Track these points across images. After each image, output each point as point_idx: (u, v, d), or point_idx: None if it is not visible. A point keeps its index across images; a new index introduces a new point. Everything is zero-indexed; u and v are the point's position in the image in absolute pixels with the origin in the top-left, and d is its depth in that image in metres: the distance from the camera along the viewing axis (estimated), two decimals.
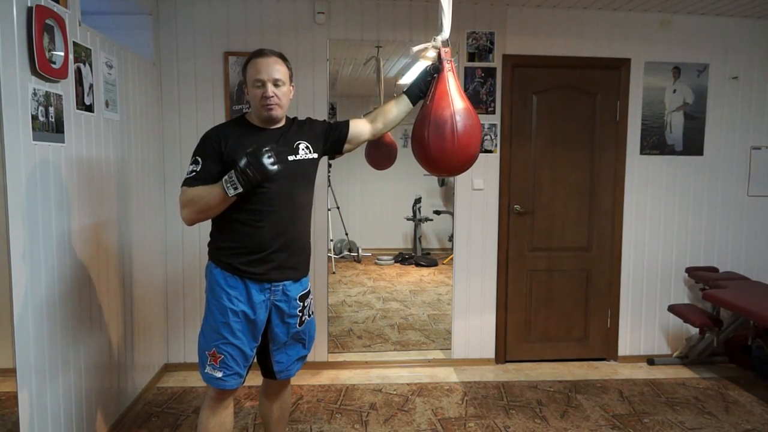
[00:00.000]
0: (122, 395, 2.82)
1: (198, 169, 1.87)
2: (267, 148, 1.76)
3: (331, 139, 2.10)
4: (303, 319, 2.07)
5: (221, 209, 1.86)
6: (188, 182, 1.88)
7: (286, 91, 1.94)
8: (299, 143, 2.00)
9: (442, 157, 1.92)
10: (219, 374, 1.93)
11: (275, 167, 1.76)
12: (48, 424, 2.09)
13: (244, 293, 1.93)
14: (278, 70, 1.91)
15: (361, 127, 2.14)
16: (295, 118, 2.10)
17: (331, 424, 2.86)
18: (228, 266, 1.93)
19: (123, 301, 2.83)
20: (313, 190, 2.09)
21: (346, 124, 2.13)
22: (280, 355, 2.08)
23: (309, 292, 2.11)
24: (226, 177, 1.78)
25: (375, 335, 4.27)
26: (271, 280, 1.95)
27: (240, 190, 1.77)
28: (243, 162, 1.75)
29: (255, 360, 2.07)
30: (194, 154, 1.92)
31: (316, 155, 2.05)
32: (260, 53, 1.92)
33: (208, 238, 2.02)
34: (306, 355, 2.17)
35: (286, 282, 1.99)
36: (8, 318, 1.89)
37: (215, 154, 1.88)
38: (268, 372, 2.12)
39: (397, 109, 2.15)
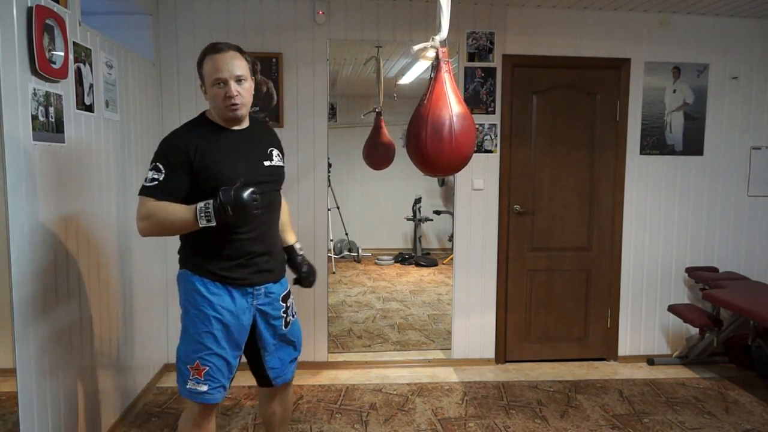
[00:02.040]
0: (122, 395, 2.82)
1: (161, 179, 1.73)
2: (253, 190, 1.66)
3: None
4: (288, 320, 2.02)
5: (187, 231, 1.77)
6: (149, 192, 1.74)
7: (249, 88, 1.82)
8: (272, 149, 1.95)
9: (439, 157, 1.93)
10: (204, 388, 1.81)
11: (257, 212, 1.69)
12: (48, 424, 2.09)
13: (228, 299, 1.84)
14: (239, 65, 1.77)
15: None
16: (252, 117, 1.98)
17: (331, 424, 2.86)
18: (208, 273, 1.83)
19: (123, 301, 2.83)
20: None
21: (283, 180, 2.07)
22: (273, 360, 2.01)
23: (289, 293, 2.06)
24: (201, 206, 1.67)
25: (375, 335, 4.27)
26: (253, 284, 1.88)
27: (213, 224, 1.67)
28: (225, 198, 1.64)
29: (244, 361, 2.01)
30: (156, 160, 1.76)
31: (284, 164, 2.00)
32: (216, 48, 1.77)
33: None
34: (297, 357, 2.12)
35: (267, 284, 1.93)
36: (8, 318, 1.89)
37: (183, 165, 1.75)
38: (263, 380, 2.05)
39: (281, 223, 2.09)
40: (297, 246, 2.14)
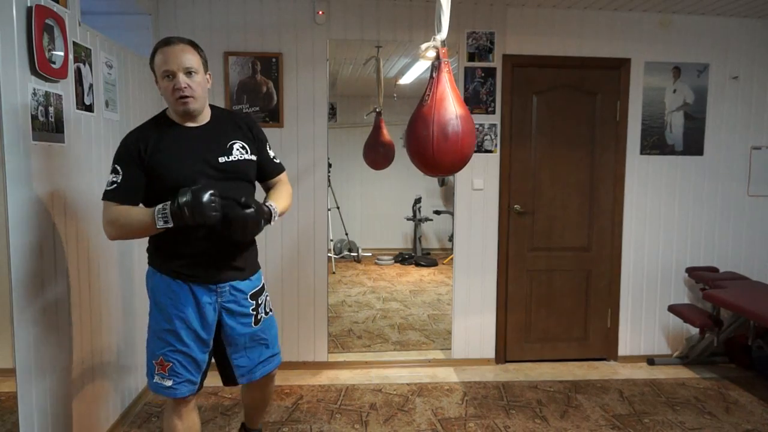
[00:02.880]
0: (122, 395, 2.82)
1: (119, 181, 1.75)
2: (212, 192, 1.64)
3: (258, 162, 1.97)
4: (259, 317, 1.98)
5: (150, 234, 1.79)
6: (110, 195, 1.75)
7: (201, 81, 1.78)
8: (233, 143, 1.87)
9: (444, 158, 1.93)
10: (169, 383, 1.84)
11: (215, 214, 1.65)
12: (48, 424, 2.09)
13: (190, 297, 1.84)
14: (189, 58, 1.75)
15: (270, 185, 2.06)
16: (222, 110, 1.97)
17: (331, 424, 2.86)
18: (170, 271, 1.84)
19: (123, 301, 2.83)
20: (253, 188, 1.97)
21: (277, 170, 2.04)
22: (240, 359, 1.98)
23: (262, 289, 2.01)
24: (159, 207, 1.67)
25: (375, 335, 4.27)
26: (216, 281, 1.86)
27: (170, 225, 1.66)
28: (183, 199, 1.62)
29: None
30: (113, 162, 1.78)
31: (253, 157, 1.92)
32: (167, 41, 1.76)
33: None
34: (275, 355, 2.07)
35: (232, 282, 1.90)
36: (8, 318, 1.89)
37: (135, 162, 1.76)
38: (228, 378, 2.02)
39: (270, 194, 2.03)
40: (268, 202, 1.91)
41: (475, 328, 3.70)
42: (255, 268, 2.00)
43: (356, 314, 4.86)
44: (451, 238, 6.48)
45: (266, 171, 2.03)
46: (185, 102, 1.75)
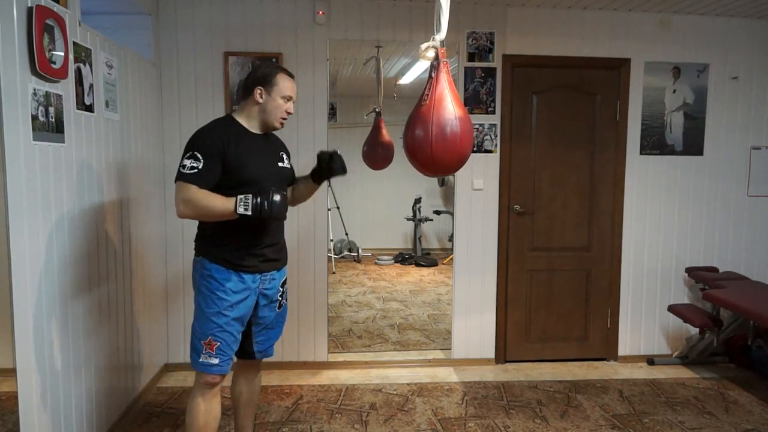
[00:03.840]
0: (122, 395, 2.82)
1: (200, 167, 1.96)
2: (284, 195, 1.96)
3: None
4: (282, 303, 2.30)
5: (224, 219, 1.99)
6: (190, 179, 1.95)
7: None
8: (283, 153, 2.27)
9: (444, 157, 1.94)
10: (216, 360, 2.05)
11: (285, 213, 1.98)
12: (48, 424, 2.09)
13: (239, 284, 2.08)
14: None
15: (294, 186, 2.40)
16: None
17: (331, 424, 2.86)
18: (224, 261, 2.07)
19: (123, 301, 2.83)
20: None
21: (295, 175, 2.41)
22: (260, 336, 2.27)
23: (286, 280, 2.33)
24: (241, 197, 1.93)
25: (375, 335, 4.27)
26: (261, 271, 2.14)
27: (248, 214, 1.92)
28: (267, 196, 1.92)
29: None
30: (194, 149, 1.98)
31: (291, 167, 2.32)
32: (290, 74, 2.15)
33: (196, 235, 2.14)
34: (276, 339, 2.37)
35: (273, 272, 2.20)
36: (8, 318, 1.89)
37: (218, 155, 1.99)
38: (246, 352, 2.27)
39: (304, 187, 2.37)
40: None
41: (475, 328, 3.70)
42: (286, 261, 2.31)
43: (356, 314, 4.86)
44: (451, 238, 6.48)
45: (294, 178, 2.40)
46: (283, 123, 2.16)
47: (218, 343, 2.06)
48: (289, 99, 2.13)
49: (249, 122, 2.13)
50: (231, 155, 2.01)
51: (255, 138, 2.13)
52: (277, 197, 1.95)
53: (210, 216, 2.00)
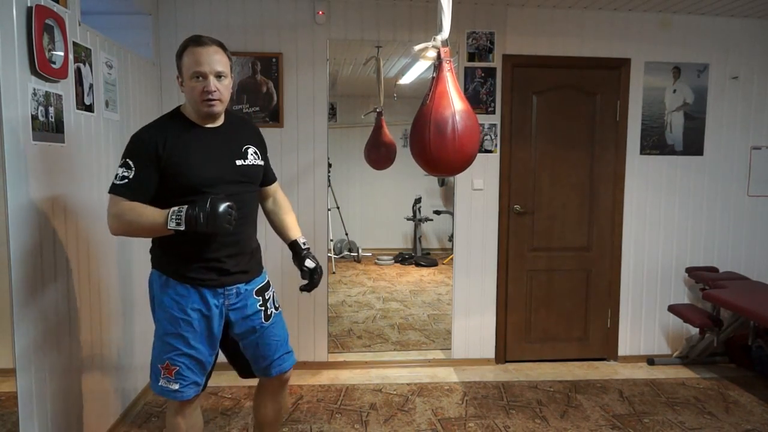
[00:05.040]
0: (122, 395, 2.82)
1: (131, 176, 1.71)
2: (230, 204, 1.65)
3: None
4: (269, 312, 1.98)
5: (157, 235, 1.76)
6: (119, 190, 1.72)
7: (228, 84, 1.79)
8: (248, 147, 1.90)
9: (442, 157, 1.92)
10: (175, 386, 1.83)
11: (228, 226, 1.65)
12: (48, 424, 2.09)
13: (197, 299, 1.83)
14: (220, 61, 1.74)
15: (266, 193, 2.10)
16: (233, 113, 1.97)
17: (331, 424, 2.86)
18: (176, 274, 1.82)
19: (123, 301, 2.83)
20: (258, 194, 2.02)
21: (273, 176, 2.11)
22: (252, 354, 1.99)
23: (267, 285, 2.02)
24: (174, 210, 1.65)
25: (375, 335, 4.27)
26: (224, 285, 1.86)
27: (182, 229, 1.64)
28: (200, 206, 1.62)
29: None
30: (125, 157, 1.75)
31: (262, 163, 1.96)
32: (198, 41, 1.74)
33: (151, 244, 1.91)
34: (289, 353, 2.06)
35: (239, 285, 1.90)
36: (8, 318, 1.89)
37: (152, 161, 1.73)
38: (243, 369, 2.05)
39: (278, 224, 2.12)
40: (301, 241, 2.07)
41: (475, 328, 3.70)
42: (258, 271, 2.01)
43: (356, 314, 4.86)
44: (451, 238, 6.48)
45: (266, 177, 2.06)
46: (212, 104, 1.75)
47: (176, 368, 1.82)
48: (199, 76, 1.72)
49: (191, 114, 1.82)
50: (166, 158, 1.73)
51: (202, 133, 1.81)
52: (216, 207, 1.62)
53: (143, 232, 1.75)
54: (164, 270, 1.85)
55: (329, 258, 5.98)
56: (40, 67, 1.97)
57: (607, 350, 3.82)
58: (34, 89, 1.97)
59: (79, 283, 2.35)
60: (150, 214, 1.70)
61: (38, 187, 2.02)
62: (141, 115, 3.05)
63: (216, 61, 1.74)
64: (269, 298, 2.01)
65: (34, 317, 2.00)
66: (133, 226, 1.72)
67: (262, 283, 2.00)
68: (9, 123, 1.84)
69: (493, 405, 3.11)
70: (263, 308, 1.97)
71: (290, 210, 2.15)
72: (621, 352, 3.81)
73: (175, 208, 1.66)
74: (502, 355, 3.74)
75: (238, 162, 1.85)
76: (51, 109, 2.08)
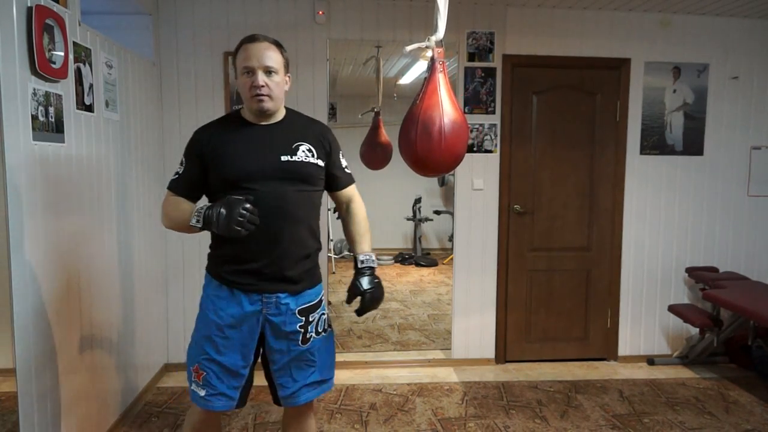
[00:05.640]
0: (122, 395, 2.82)
1: (181, 172, 1.78)
2: (247, 208, 1.56)
3: (328, 170, 1.89)
4: (308, 336, 1.81)
5: (190, 231, 1.71)
6: (171, 185, 1.79)
7: (279, 81, 1.74)
8: (300, 144, 1.78)
9: (428, 157, 1.92)
10: (202, 393, 1.76)
11: (239, 229, 1.56)
12: (48, 424, 2.08)
13: (232, 304, 1.75)
14: (271, 56, 1.71)
15: (339, 198, 1.97)
16: (298, 113, 1.91)
17: (331, 424, 2.86)
18: (217, 275, 1.78)
19: (123, 301, 2.83)
20: (318, 196, 1.86)
21: (347, 181, 1.96)
22: (283, 378, 1.83)
23: (316, 305, 1.85)
24: (199, 207, 1.65)
25: (375, 335, 4.27)
26: (262, 291, 1.75)
27: (199, 226, 1.63)
28: (217, 206, 1.59)
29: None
30: (183, 153, 1.81)
31: (320, 162, 1.81)
32: (252, 38, 1.73)
33: (210, 239, 1.87)
34: (321, 382, 1.88)
35: (280, 294, 1.76)
36: (8, 318, 1.89)
37: (196, 157, 1.75)
38: (275, 397, 1.89)
39: (347, 235, 1.98)
40: (360, 258, 1.88)
41: (475, 328, 3.70)
42: (312, 282, 1.85)
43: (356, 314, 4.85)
44: (451, 238, 6.48)
45: (336, 181, 1.93)
46: (261, 100, 1.71)
47: (204, 373, 1.75)
48: (248, 71, 1.70)
49: (247, 113, 1.81)
50: (209, 153, 1.73)
51: (252, 129, 1.77)
52: (229, 208, 1.56)
53: (180, 228, 1.73)
54: (210, 271, 1.83)
55: (329, 258, 5.98)
56: (40, 67, 1.97)
57: (607, 350, 3.82)
58: (34, 89, 1.97)
59: (80, 283, 2.35)
60: (184, 209, 1.71)
61: (38, 187, 2.02)
62: (141, 115, 3.05)
63: (267, 56, 1.71)
64: (314, 320, 1.84)
65: (34, 317, 2.00)
66: (174, 221, 1.75)
67: (311, 303, 1.83)
68: (9, 123, 1.84)
69: (493, 405, 3.10)
70: (303, 330, 1.80)
71: (362, 221, 1.97)
72: (621, 352, 3.81)
73: (200, 206, 1.66)
74: (502, 355, 3.74)
75: (284, 158, 1.74)
76: (51, 109, 2.08)
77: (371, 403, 3.11)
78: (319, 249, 1.88)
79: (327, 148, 1.87)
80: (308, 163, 1.78)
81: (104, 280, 2.60)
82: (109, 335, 2.66)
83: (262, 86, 1.69)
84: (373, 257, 1.89)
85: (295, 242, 1.77)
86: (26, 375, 1.95)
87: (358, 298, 1.84)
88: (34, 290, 2.01)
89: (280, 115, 1.83)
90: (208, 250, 1.85)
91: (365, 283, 1.83)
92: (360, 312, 1.85)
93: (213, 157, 1.73)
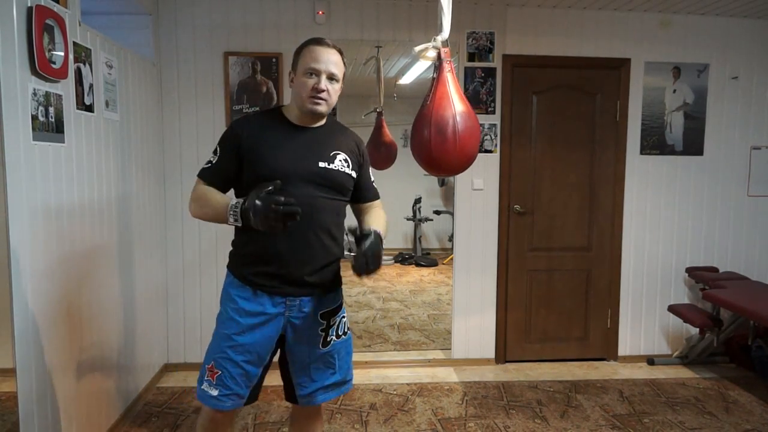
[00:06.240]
0: (122, 395, 2.82)
1: (214, 162, 1.74)
2: (280, 199, 1.50)
3: (358, 182, 1.89)
4: (329, 339, 1.82)
5: (221, 224, 1.69)
6: (202, 174, 1.75)
7: (337, 89, 1.77)
8: (337, 153, 1.78)
9: (443, 158, 1.92)
10: (214, 392, 1.73)
11: (278, 224, 1.51)
12: (48, 424, 2.09)
13: (255, 305, 1.73)
14: (336, 63, 1.73)
15: (363, 210, 1.96)
16: (337, 121, 1.91)
17: (331, 424, 2.86)
18: (240, 275, 1.76)
19: (123, 301, 2.83)
20: (344, 206, 1.86)
21: (375, 195, 1.97)
22: (302, 378, 1.84)
23: (337, 309, 1.86)
24: (235, 203, 1.59)
25: (375, 335, 4.27)
26: (286, 294, 1.75)
27: (239, 224, 1.59)
28: (251, 200, 1.53)
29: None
30: (218, 143, 1.77)
31: (353, 173, 1.83)
32: (320, 41, 1.74)
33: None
34: (340, 384, 1.89)
35: (304, 298, 1.77)
36: (8, 318, 1.89)
37: (233, 149, 1.72)
38: (290, 395, 1.90)
39: (368, 217, 1.95)
40: (374, 228, 1.76)
41: (475, 328, 3.70)
42: (334, 286, 1.86)
43: (356, 314, 4.86)
44: (451, 238, 6.48)
45: (364, 193, 1.94)
46: (318, 103, 1.71)
47: (219, 372, 1.73)
48: (313, 73, 1.69)
49: (290, 112, 1.79)
50: (247, 147, 1.71)
51: (293, 130, 1.76)
52: (263, 199, 1.51)
53: (211, 219, 1.71)
54: (232, 269, 1.80)
55: None
56: (40, 67, 1.97)
57: (607, 350, 3.82)
58: (34, 89, 1.97)
59: (80, 283, 2.35)
60: (218, 202, 1.67)
61: (38, 187, 2.02)
62: (141, 115, 3.05)
63: (333, 62, 1.73)
64: (335, 324, 1.85)
65: (34, 317, 2.00)
66: (204, 210, 1.71)
67: (332, 307, 1.84)
68: (9, 123, 1.84)
69: (493, 405, 3.11)
70: (324, 333, 1.81)
71: (381, 216, 1.96)
72: (621, 352, 3.81)
73: (234, 201, 1.60)
74: (502, 355, 3.74)
75: (321, 164, 1.74)
76: (51, 109, 2.08)
77: (371, 403, 3.11)
78: (342, 256, 1.88)
79: (360, 161, 1.89)
80: (343, 173, 1.79)
81: (104, 280, 2.60)
82: (110, 335, 2.67)
83: (324, 90, 1.70)
84: (381, 232, 1.81)
85: (322, 248, 1.77)
86: (26, 375, 1.95)
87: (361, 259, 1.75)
88: (35, 290, 2.01)
89: (323, 121, 1.83)
90: (233, 249, 1.83)
91: (368, 241, 1.74)
92: (357, 270, 1.72)
93: (251, 152, 1.71)
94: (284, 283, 1.73)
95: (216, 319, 1.81)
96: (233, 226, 1.70)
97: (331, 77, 1.73)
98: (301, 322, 1.78)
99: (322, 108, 1.73)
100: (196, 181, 1.76)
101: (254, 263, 1.73)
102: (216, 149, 1.76)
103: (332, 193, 1.77)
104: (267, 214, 1.50)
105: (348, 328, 1.93)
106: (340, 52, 1.78)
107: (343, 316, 1.90)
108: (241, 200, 1.58)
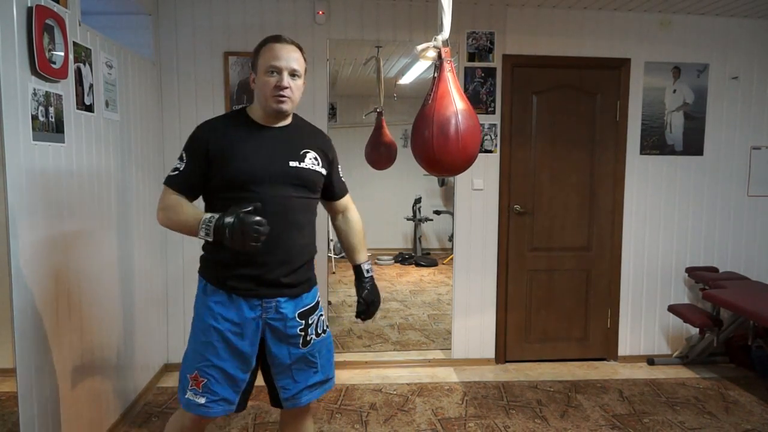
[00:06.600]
0: (122, 395, 2.82)
1: (181, 168, 1.71)
2: (259, 221, 1.53)
3: (327, 179, 1.91)
4: (308, 339, 1.81)
5: (191, 236, 1.68)
6: (170, 182, 1.72)
7: (300, 85, 1.75)
8: (307, 152, 1.79)
9: (444, 157, 1.92)
10: (201, 400, 1.71)
11: (257, 245, 1.54)
12: (48, 424, 2.09)
13: (231, 309, 1.72)
14: (297, 59, 1.72)
15: (335, 208, 2.02)
16: (303, 120, 1.91)
17: (331, 424, 2.86)
18: (214, 279, 1.74)
19: (123, 301, 2.83)
20: (316, 203, 1.89)
21: (344, 191, 2.00)
22: (284, 380, 1.82)
23: (314, 308, 1.85)
24: (206, 218, 1.59)
25: (375, 335, 4.27)
26: (262, 296, 1.73)
27: (209, 239, 1.59)
28: (227, 219, 1.54)
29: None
30: (183, 149, 1.75)
31: (323, 171, 1.84)
32: (278, 38, 1.72)
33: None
34: (323, 382, 1.89)
35: (280, 298, 1.76)
36: (8, 318, 1.89)
37: (200, 155, 1.70)
38: (275, 400, 1.87)
39: (346, 245, 2.04)
40: (365, 267, 1.98)
41: (475, 328, 3.70)
42: (309, 285, 1.86)
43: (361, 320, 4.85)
44: (451, 238, 6.48)
45: (334, 190, 1.96)
46: (282, 101, 1.70)
47: (205, 380, 1.71)
48: (274, 70, 1.68)
49: (255, 113, 1.78)
50: (215, 152, 1.68)
51: (260, 131, 1.75)
52: (243, 222, 1.52)
53: (180, 230, 1.68)
54: (205, 275, 1.78)
55: (329, 258, 5.97)
56: (40, 67, 1.97)
57: (607, 350, 3.82)
58: (34, 89, 1.97)
59: (80, 283, 2.35)
60: (188, 214, 1.66)
61: (38, 187, 2.02)
62: (141, 115, 3.05)
63: (293, 59, 1.72)
64: (313, 323, 1.84)
65: (34, 317, 2.00)
66: (173, 222, 1.69)
67: (309, 305, 1.83)
68: (9, 123, 1.84)
69: (493, 405, 3.11)
70: (303, 333, 1.80)
71: (360, 231, 2.05)
72: (621, 352, 3.81)
73: (207, 216, 1.60)
74: (502, 355, 3.74)
75: (292, 163, 1.75)
76: (51, 109, 2.08)
77: (371, 403, 3.11)
78: (315, 253, 1.90)
79: (330, 158, 1.90)
80: (314, 171, 1.80)
81: (104, 280, 2.60)
82: (110, 335, 2.67)
83: (286, 88, 1.69)
84: (371, 264, 2.03)
85: (295, 248, 1.77)
86: (26, 375, 1.96)
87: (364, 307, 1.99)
88: (35, 290, 2.01)
89: (289, 119, 1.83)
90: (204, 252, 1.80)
91: (368, 296, 1.97)
92: (363, 317, 1.99)
93: (219, 156, 1.69)
94: (260, 285, 1.72)
95: (191, 327, 1.79)
96: None
97: (293, 74, 1.72)
98: (279, 324, 1.77)
99: (287, 106, 1.72)
100: (164, 189, 1.72)
101: (230, 266, 1.71)
102: (182, 155, 1.73)
103: (305, 192, 1.78)
104: (246, 236, 1.52)
105: (327, 326, 1.94)
106: (300, 49, 1.77)
107: (321, 314, 1.90)
108: (215, 216, 1.58)
